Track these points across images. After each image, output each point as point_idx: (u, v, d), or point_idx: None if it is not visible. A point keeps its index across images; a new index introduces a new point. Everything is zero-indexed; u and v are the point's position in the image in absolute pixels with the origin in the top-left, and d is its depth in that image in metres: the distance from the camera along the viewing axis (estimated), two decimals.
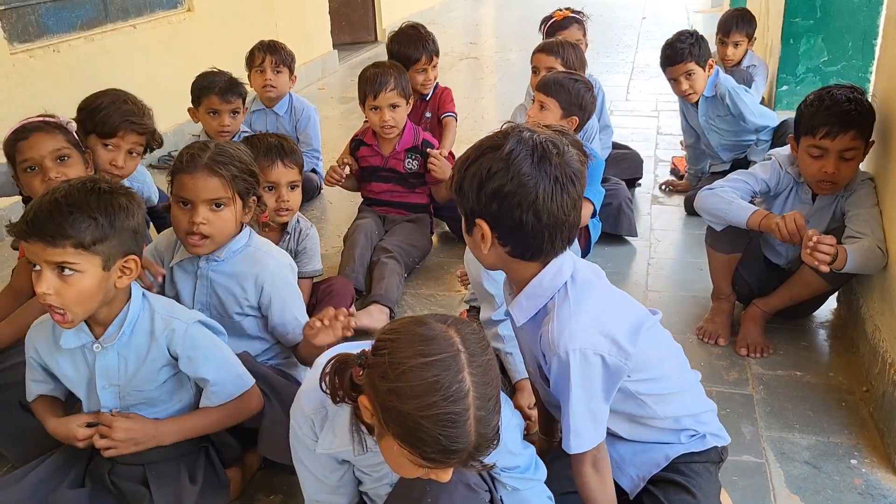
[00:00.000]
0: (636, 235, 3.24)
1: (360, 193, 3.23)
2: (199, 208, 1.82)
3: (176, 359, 1.69)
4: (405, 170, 3.06)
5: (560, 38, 3.37)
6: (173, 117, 4.28)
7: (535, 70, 3.15)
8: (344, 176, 3.02)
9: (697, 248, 2.93)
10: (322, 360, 1.38)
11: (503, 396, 1.28)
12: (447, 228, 3.38)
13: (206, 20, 5.06)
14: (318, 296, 2.46)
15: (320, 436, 1.43)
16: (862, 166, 2.31)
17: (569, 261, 1.45)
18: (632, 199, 3.44)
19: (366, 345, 1.29)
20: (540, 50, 3.14)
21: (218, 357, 1.73)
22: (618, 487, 1.59)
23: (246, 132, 3.25)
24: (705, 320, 2.54)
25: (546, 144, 1.35)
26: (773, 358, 2.38)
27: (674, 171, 3.98)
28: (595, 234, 2.95)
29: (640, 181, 3.81)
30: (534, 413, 1.92)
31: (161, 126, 2.46)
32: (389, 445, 1.22)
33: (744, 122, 3.37)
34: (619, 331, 1.42)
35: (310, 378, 1.46)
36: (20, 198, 2.34)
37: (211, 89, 3.17)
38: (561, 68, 2.96)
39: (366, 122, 3.09)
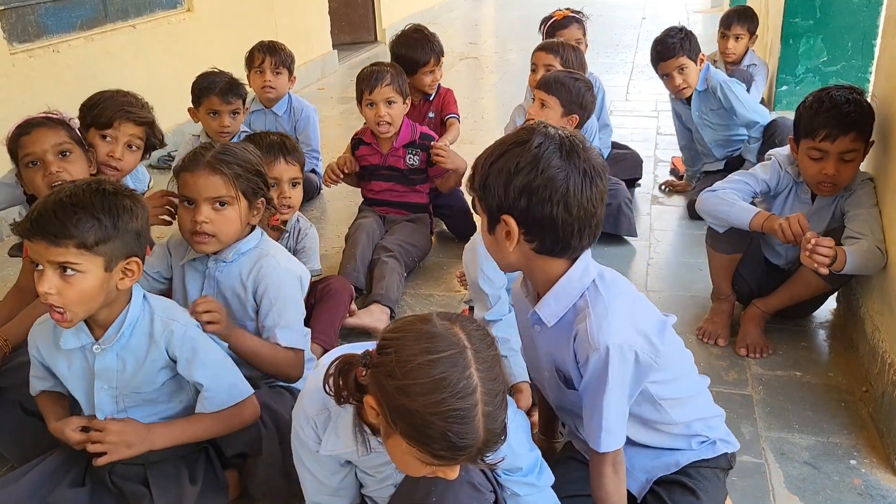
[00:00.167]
0: (636, 235, 3.24)
1: (360, 193, 3.23)
2: (202, 206, 1.82)
3: (174, 361, 1.69)
4: (406, 166, 3.05)
5: (560, 38, 3.38)
6: (173, 117, 4.27)
7: (534, 68, 3.16)
8: (341, 176, 3.03)
9: (697, 249, 2.94)
10: (325, 362, 1.38)
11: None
12: (445, 227, 3.38)
13: (205, 20, 5.06)
14: (316, 295, 2.46)
15: (323, 437, 1.43)
16: (862, 166, 2.31)
17: (591, 259, 1.45)
18: (631, 200, 3.44)
19: (369, 345, 1.29)
20: (540, 48, 3.15)
21: (215, 363, 1.71)
22: None
23: (245, 132, 3.25)
24: (705, 321, 2.54)
25: (572, 139, 1.35)
26: (772, 358, 2.38)
27: (673, 172, 3.98)
28: None
29: (639, 181, 3.81)
30: (534, 416, 1.93)
31: (161, 126, 2.46)
32: (397, 444, 1.22)
33: (735, 115, 3.37)
34: (650, 328, 1.43)
35: (312, 379, 1.46)
36: (24, 198, 2.35)
37: (211, 90, 3.18)
38: (560, 67, 2.97)
39: (365, 122, 3.09)
